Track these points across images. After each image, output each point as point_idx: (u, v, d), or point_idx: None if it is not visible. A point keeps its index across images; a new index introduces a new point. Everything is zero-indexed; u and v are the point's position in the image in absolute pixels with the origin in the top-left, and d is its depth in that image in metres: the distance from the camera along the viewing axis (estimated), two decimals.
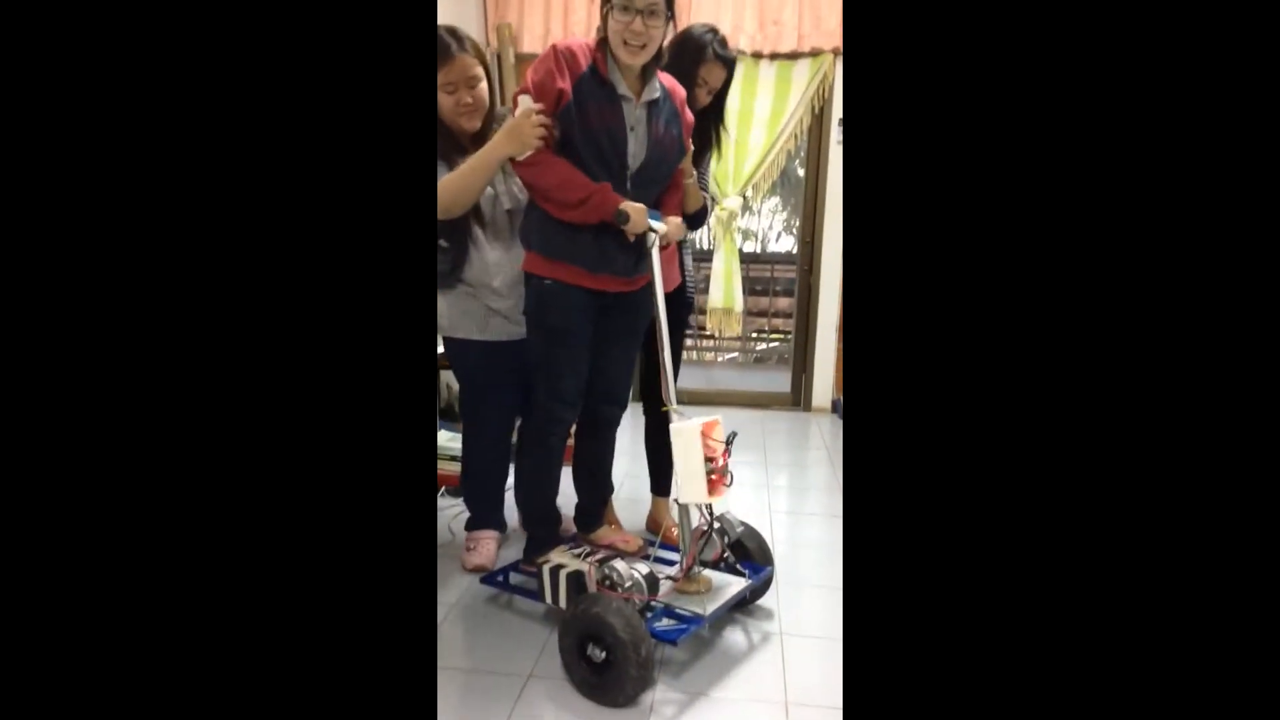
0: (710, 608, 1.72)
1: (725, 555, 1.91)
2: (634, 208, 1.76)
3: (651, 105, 1.78)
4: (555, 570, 1.79)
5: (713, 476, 1.73)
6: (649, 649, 1.57)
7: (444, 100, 1.92)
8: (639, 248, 1.86)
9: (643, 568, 1.75)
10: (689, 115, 1.91)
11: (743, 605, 1.95)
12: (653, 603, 1.72)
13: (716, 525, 1.91)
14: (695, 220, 2.19)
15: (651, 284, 1.98)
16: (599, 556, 1.84)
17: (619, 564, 1.75)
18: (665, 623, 1.69)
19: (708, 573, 1.84)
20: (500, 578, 2.00)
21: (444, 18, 2.32)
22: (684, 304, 2.29)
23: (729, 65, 2.09)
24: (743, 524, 1.99)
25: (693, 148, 1.97)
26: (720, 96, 2.14)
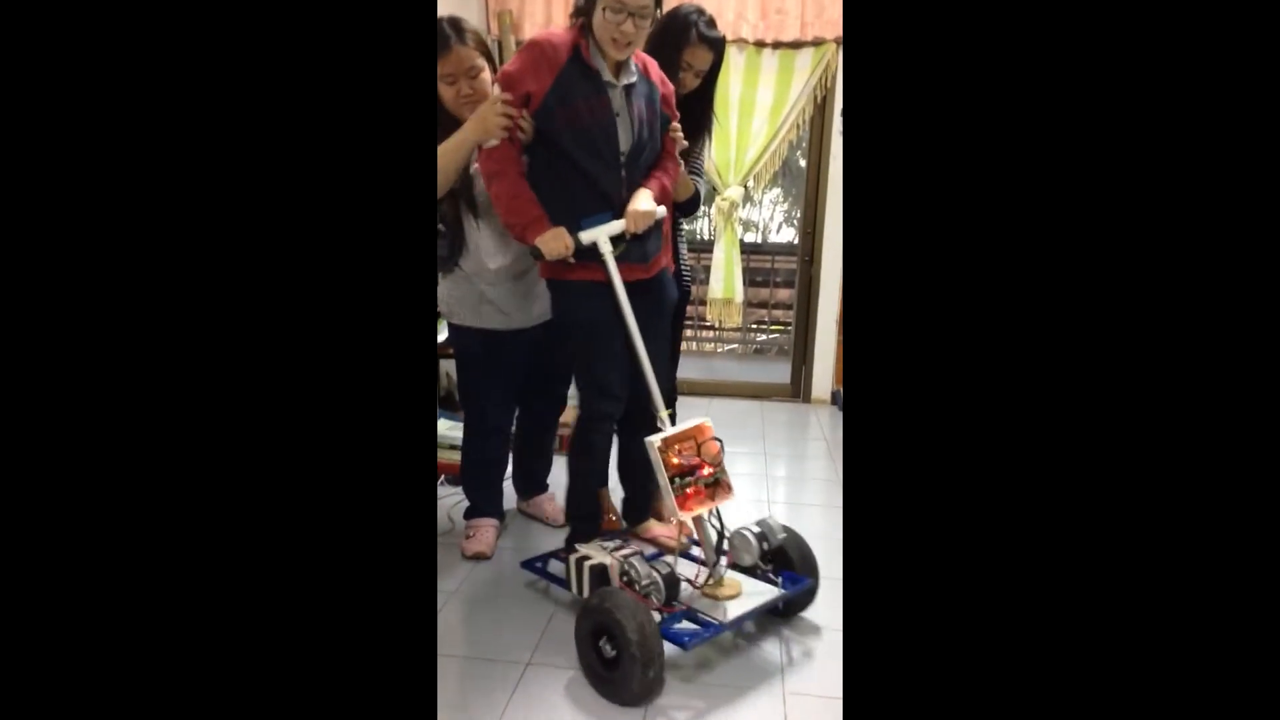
0: (731, 615, 1.68)
1: (760, 562, 1.82)
2: (547, 239, 1.73)
3: (630, 89, 1.77)
4: (580, 561, 1.80)
5: (688, 489, 1.69)
6: (657, 656, 1.54)
7: (445, 91, 1.90)
8: (647, 234, 1.84)
9: (664, 567, 1.72)
10: (668, 85, 1.88)
11: (784, 615, 1.88)
12: (673, 603, 1.70)
13: (756, 530, 1.81)
14: (686, 208, 2.14)
15: (665, 270, 1.95)
16: (625, 551, 1.82)
17: (639, 562, 1.72)
18: (684, 625, 1.66)
19: (738, 577, 1.80)
20: (539, 564, 2.02)
21: (444, 4, 2.30)
22: (679, 293, 2.25)
23: (716, 47, 1.99)
24: (786, 530, 1.87)
25: (678, 115, 1.91)
26: (709, 80, 2.05)
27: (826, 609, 1.96)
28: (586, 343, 1.88)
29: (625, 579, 1.72)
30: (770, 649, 1.79)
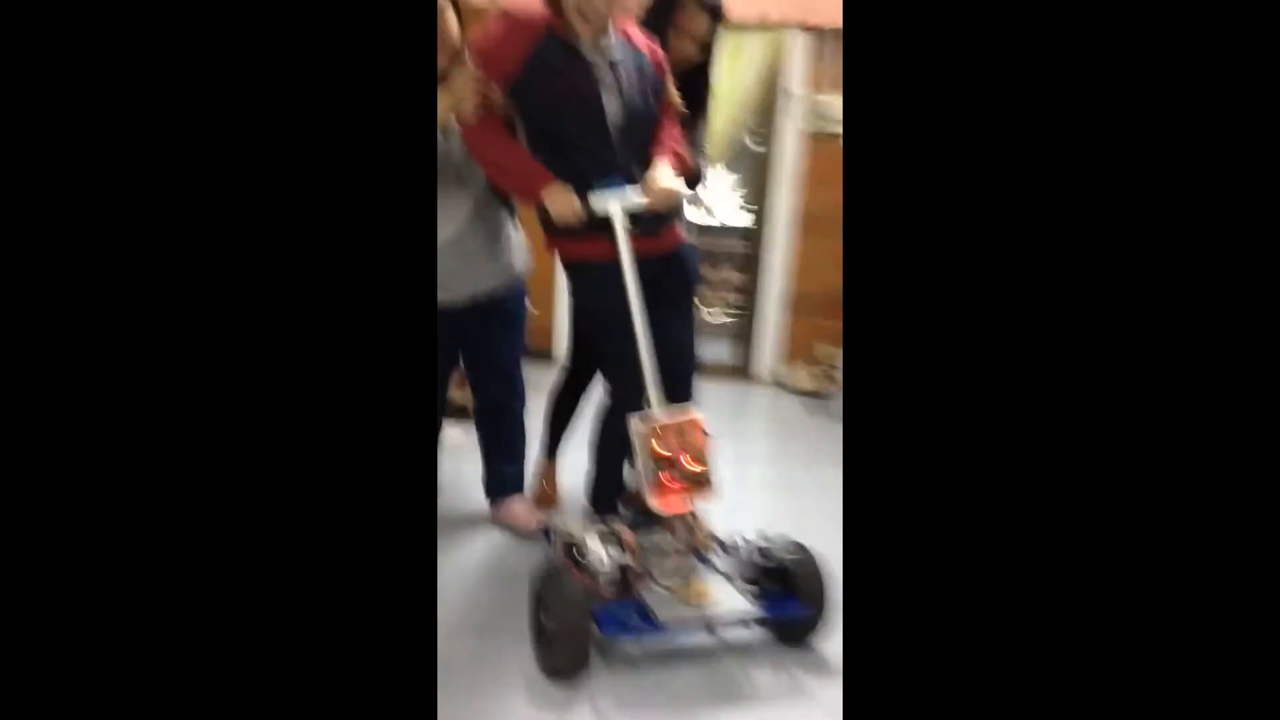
0: (671, 619, 1.62)
1: (743, 579, 1.72)
2: (555, 197, 1.65)
3: (614, 60, 1.72)
4: (559, 532, 1.80)
5: (666, 481, 1.61)
6: (574, 640, 1.54)
7: None
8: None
9: (620, 556, 1.65)
10: (658, 51, 1.80)
11: (788, 640, 1.74)
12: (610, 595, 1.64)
13: (762, 543, 1.73)
14: (687, 185, 2.00)
15: (686, 246, 1.89)
16: (596, 529, 1.74)
17: (594, 545, 1.66)
18: (631, 617, 1.62)
19: (718, 586, 1.71)
20: (549, 536, 1.99)
21: None
22: (695, 265, 2.08)
23: (713, 10, 1.92)
24: (798, 549, 1.71)
25: (672, 77, 1.84)
26: (708, 50, 1.97)
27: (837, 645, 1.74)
28: (605, 333, 1.81)
29: (574, 557, 1.68)
30: (756, 673, 1.67)
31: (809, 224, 3.78)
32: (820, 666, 1.71)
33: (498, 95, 1.69)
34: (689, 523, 1.73)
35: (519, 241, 2.10)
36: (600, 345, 1.88)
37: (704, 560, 1.81)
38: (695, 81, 1.97)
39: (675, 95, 1.85)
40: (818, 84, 3.62)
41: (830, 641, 1.74)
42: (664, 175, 1.71)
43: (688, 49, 1.93)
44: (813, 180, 3.72)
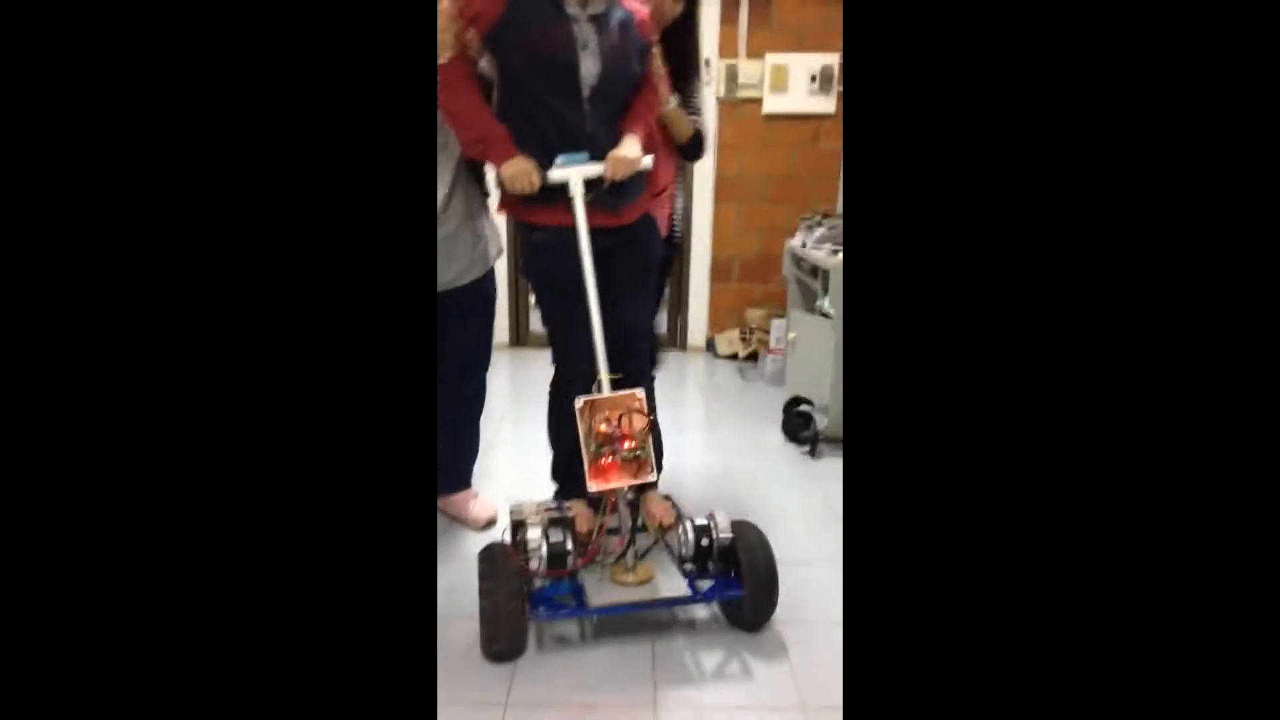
0: (600, 602, 1.62)
1: (683, 560, 1.70)
2: (512, 169, 1.62)
3: (598, 18, 1.64)
4: (512, 514, 1.79)
5: (603, 459, 1.59)
6: (504, 633, 1.56)
7: None
8: (623, 180, 1.69)
9: (557, 537, 1.63)
10: (645, 12, 1.75)
11: (738, 621, 1.70)
12: (544, 579, 1.64)
13: (701, 522, 1.69)
14: (689, 152, 1.96)
15: (646, 220, 1.82)
16: (550, 517, 1.72)
17: (534, 530, 1.65)
18: (565, 599, 1.62)
19: (659, 567, 1.70)
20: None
21: None
22: (669, 247, 2.04)
23: None
24: (737, 530, 1.68)
25: (657, 40, 1.77)
26: (692, 8, 1.90)
27: (800, 631, 1.71)
28: (554, 300, 1.78)
29: (515, 542, 1.67)
30: (701, 655, 1.65)
31: (722, 189, 3.82)
32: (768, 649, 1.66)
33: (474, 39, 1.63)
34: (638, 504, 1.73)
35: (493, 227, 2.03)
36: (542, 310, 1.85)
37: (658, 541, 1.81)
38: (680, 39, 1.89)
39: (659, 61, 1.79)
40: (730, 48, 3.64)
41: (780, 624, 1.72)
42: (627, 146, 1.68)
43: (670, 7, 1.85)
44: (724, 144, 3.75)
